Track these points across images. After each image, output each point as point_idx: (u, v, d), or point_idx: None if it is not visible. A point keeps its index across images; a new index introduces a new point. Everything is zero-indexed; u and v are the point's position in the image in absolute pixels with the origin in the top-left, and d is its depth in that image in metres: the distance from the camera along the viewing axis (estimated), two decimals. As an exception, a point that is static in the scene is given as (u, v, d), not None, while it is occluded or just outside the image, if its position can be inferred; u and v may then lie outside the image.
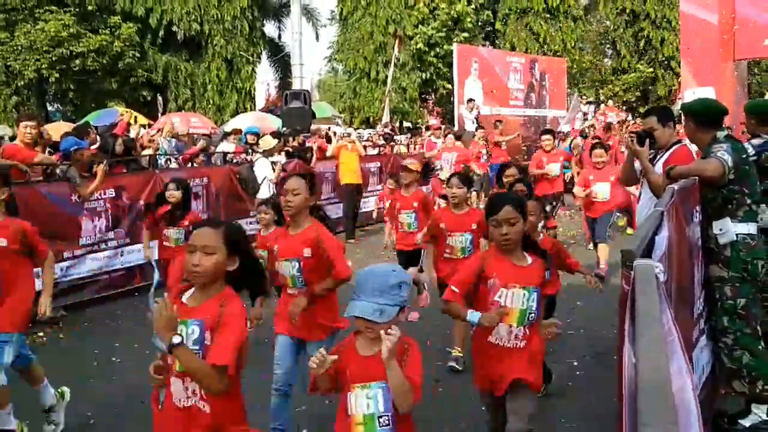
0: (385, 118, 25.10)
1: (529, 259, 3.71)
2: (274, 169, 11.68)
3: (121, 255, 9.59)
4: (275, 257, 4.50)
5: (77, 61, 25.53)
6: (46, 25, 24.94)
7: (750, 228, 4.50)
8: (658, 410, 1.01)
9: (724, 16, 20.31)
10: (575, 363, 6.28)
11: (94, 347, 7.24)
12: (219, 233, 3.00)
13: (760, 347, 4.50)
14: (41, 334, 7.57)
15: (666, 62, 33.40)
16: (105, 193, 9.34)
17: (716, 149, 4.47)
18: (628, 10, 34.12)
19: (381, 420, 2.85)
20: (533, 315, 3.62)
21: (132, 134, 13.06)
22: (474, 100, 20.73)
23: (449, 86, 26.66)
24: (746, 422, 4.53)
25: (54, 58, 25.23)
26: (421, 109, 30.96)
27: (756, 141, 5.46)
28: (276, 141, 12.18)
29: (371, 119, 29.67)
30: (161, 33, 28.57)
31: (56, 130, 13.51)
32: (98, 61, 25.90)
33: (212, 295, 2.99)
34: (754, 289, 4.54)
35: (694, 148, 5.18)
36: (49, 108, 29.99)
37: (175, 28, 28.44)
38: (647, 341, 1.24)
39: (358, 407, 2.87)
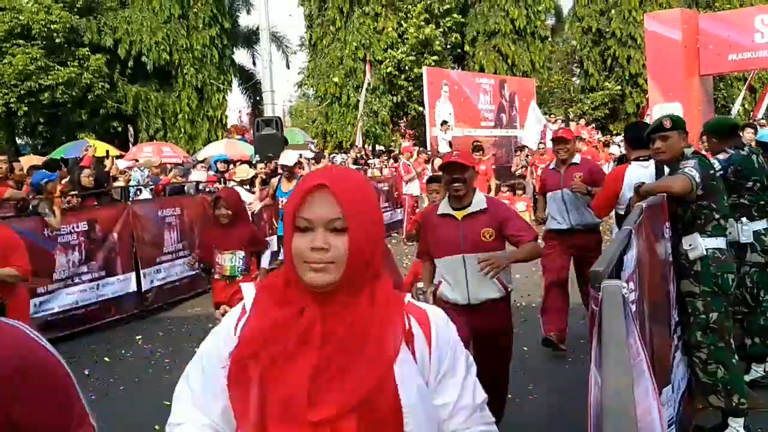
0: (358, 141, 25.17)
1: None
2: (253, 192, 11.63)
3: (96, 288, 9.51)
4: None
5: (46, 94, 25.39)
6: (14, 59, 24.81)
7: (719, 242, 4.56)
8: (621, 434, 1.02)
9: (688, 33, 20.64)
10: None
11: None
12: None
13: (734, 361, 4.54)
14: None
15: (633, 79, 33.80)
16: (78, 227, 9.28)
17: (684, 165, 4.52)
18: (594, 30, 34.53)
19: None
20: None
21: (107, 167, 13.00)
22: (447, 122, 20.86)
23: (420, 108, 26.78)
24: (724, 436, 4.56)
25: (22, 92, 25.08)
26: (393, 132, 31.06)
27: (722, 156, 5.55)
28: (253, 171, 12.16)
29: (344, 144, 29.72)
30: (130, 63, 28.46)
31: (27, 163, 13.41)
32: (67, 94, 25.77)
33: None
34: (726, 303, 4.58)
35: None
36: (19, 141, 29.75)
37: (144, 58, 28.34)
38: (612, 364, 1.26)
39: None
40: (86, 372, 7.49)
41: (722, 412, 4.56)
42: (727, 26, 20.85)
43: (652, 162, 5.32)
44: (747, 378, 5.32)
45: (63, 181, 10.65)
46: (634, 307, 2.48)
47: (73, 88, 25.89)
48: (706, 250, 4.51)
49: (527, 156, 19.33)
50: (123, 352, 8.26)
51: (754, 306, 5.58)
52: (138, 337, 8.97)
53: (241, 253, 6.46)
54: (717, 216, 4.56)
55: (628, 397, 1.12)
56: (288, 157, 11.87)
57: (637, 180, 5.39)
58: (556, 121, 26.31)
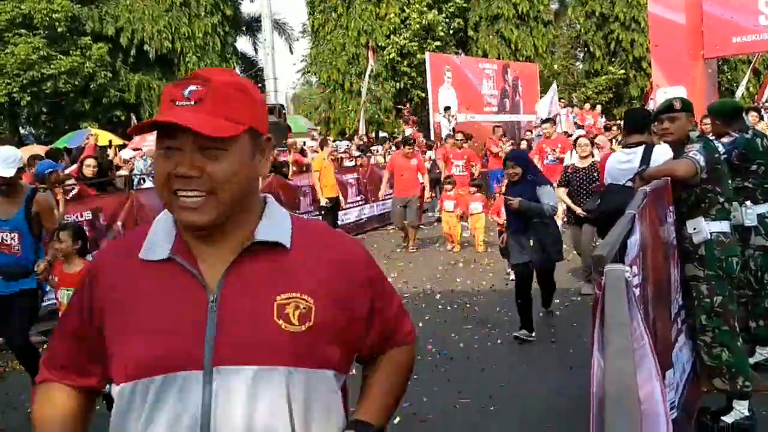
0: (361, 128, 25.15)
1: None
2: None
3: (100, 277, 9.51)
4: None
5: (49, 84, 25.42)
6: (16, 49, 24.83)
7: (723, 226, 4.54)
8: (623, 419, 1.02)
9: (692, 15, 20.54)
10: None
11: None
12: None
13: (738, 344, 4.53)
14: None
15: (637, 63, 33.69)
16: (82, 216, 9.28)
17: (688, 149, 4.50)
18: (597, 14, 34.41)
19: None
20: None
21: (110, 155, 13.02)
22: (450, 108, 20.81)
23: (423, 94, 26.74)
24: (729, 419, 4.55)
25: (25, 82, 25.11)
26: (396, 118, 31.03)
27: (726, 140, 5.53)
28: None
29: (347, 131, 29.70)
30: (133, 52, 28.48)
31: (30, 153, 13.43)
32: (70, 83, 25.80)
33: None
34: (730, 287, 4.58)
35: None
36: (22, 131, 29.79)
37: (146, 47, 28.36)
38: (615, 348, 1.25)
39: None
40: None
41: (727, 394, 4.56)
42: (731, 9, 20.73)
43: (639, 149, 5.28)
44: (751, 361, 5.33)
45: (67, 171, 10.66)
46: (637, 291, 2.48)
47: (76, 78, 25.91)
48: (711, 233, 4.50)
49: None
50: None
51: (759, 289, 5.57)
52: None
53: None
54: (721, 199, 4.54)
55: (631, 380, 1.12)
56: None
57: (616, 169, 5.40)
58: (565, 106, 26.29)
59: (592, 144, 9.55)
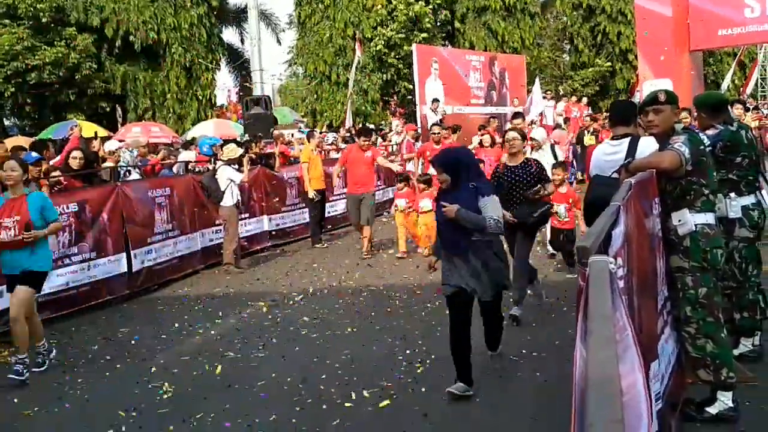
0: (348, 120, 25.10)
1: None
2: (241, 171, 11.58)
3: (87, 269, 9.49)
4: None
5: (33, 75, 25.18)
6: (0, 39, 24.59)
7: (708, 218, 4.57)
8: (604, 408, 1.02)
9: (678, 8, 20.59)
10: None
11: (61, 366, 7.15)
12: None
13: (722, 335, 4.56)
14: (5, 353, 7.47)
15: (623, 56, 33.76)
16: (68, 208, 9.24)
17: (673, 141, 4.53)
18: (584, 5, 34.45)
19: None
20: None
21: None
22: (438, 101, 20.78)
23: (410, 86, 26.69)
24: (713, 410, 4.59)
25: (9, 72, 24.87)
26: (383, 110, 30.99)
27: (711, 132, 5.56)
28: (241, 149, 12.06)
29: (334, 122, 29.65)
30: (118, 43, 28.23)
31: (14, 144, 13.34)
32: (55, 74, 25.57)
33: None
34: (715, 278, 4.60)
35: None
36: (6, 122, 29.57)
37: (131, 38, 28.11)
38: (597, 339, 1.26)
39: None
40: (77, 354, 7.50)
41: (711, 386, 4.59)
42: (717, 1, 20.80)
43: (625, 141, 5.30)
44: (736, 352, 5.37)
45: (52, 162, 10.60)
46: (622, 283, 2.49)
47: (61, 68, 25.68)
48: (695, 225, 4.52)
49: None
50: (113, 332, 8.26)
51: (743, 281, 5.61)
52: (128, 318, 8.98)
53: None
54: (706, 191, 4.57)
55: (612, 371, 1.13)
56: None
57: (602, 160, 5.41)
58: (552, 98, 26.31)
59: (523, 139, 8.20)
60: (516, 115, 12.82)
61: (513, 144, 7.76)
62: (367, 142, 12.32)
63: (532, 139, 10.23)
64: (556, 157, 10.38)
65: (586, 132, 19.15)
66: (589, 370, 1.14)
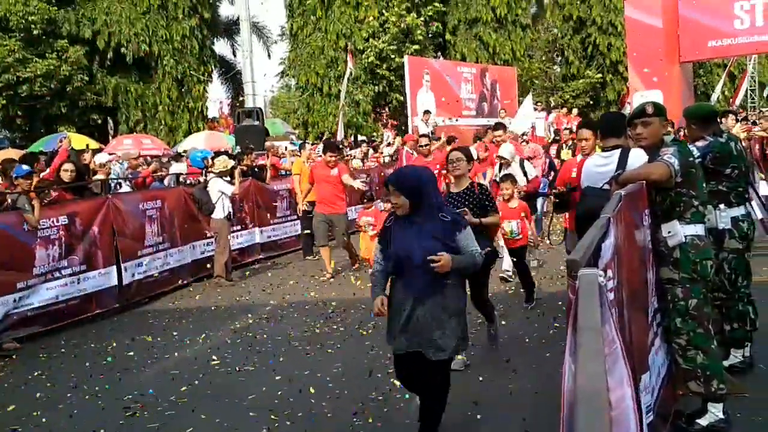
0: (340, 132, 25.12)
1: None
2: (233, 183, 11.52)
3: (77, 282, 9.44)
4: None
5: (24, 87, 25.17)
6: (-9, 51, 24.59)
7: (698, 229, 4.58)
8: (593, 422, 1.02)
9: (668, 19, 20.75)
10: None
11: (49, 380, 7.11)
12: None
13: (713, 347, 4.57)
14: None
15: (614, 67, 33.93)
16: (58, 221, 9.20)
17: (663, 153, 4.54)
18: (574, 17, 34.63)
19: None
20: None
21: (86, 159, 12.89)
22: (430, 112, 20.83)
23: (402, 98, 26.75)
24: (704, 421, 4.59)
25: (0, 85, 24.84)
26: (375, 121, 31.03)
27: (700, 143, 5.58)
28: (232, 162, 12.03)
29: (325, 134, 29.67)
30: (110, 55, 28.27)
31: (4, 156, 13.30)
32: (46, 86, 25.57)
33: None
34: (705, 289, 4.61)
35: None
36: (-3, 135, 29.53)
37: (123, 50, 28.13)
38: (586, 351, 1.26)
39: None
40: (66, 367, 7.46)
41: (702, 397, 4.60)
42: (707, 13, 20.98)
43: (615, 152, 5.33)
44: (726, 363, 5.37)
45: (42, 175, 10.56)
46: (612, 295, 2.48)
47: (52, 81, 25.68)
48: (685, 237, 4.53)
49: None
50: (103, 346, 8.22)
51: (732, 292, 5.62)
52: (118, 331, 8.94)
53: None
54: (696, 203, 4.58)
55: (601, 385, 1.12)
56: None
57: (593, 172, 5.43)
58: (543, 109, 26.42)
59: (469, 160, 6.78)
60: (497, 126, 12.07)
61: (456, 166, 6.57)
62: (333, 158, 11.37)
63: (500, 157, 9.76)
64: (525, 173, 9.93)
65: (564, 145, 18.83)
66: (578, 383, 1.14)
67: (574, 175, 6.35)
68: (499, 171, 9.69)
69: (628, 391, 1.48)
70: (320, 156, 16.18)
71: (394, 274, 4.66)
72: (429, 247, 4.42)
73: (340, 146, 12.14)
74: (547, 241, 11.04)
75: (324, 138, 27.33)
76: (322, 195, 11.36)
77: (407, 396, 5.70)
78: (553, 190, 6.67)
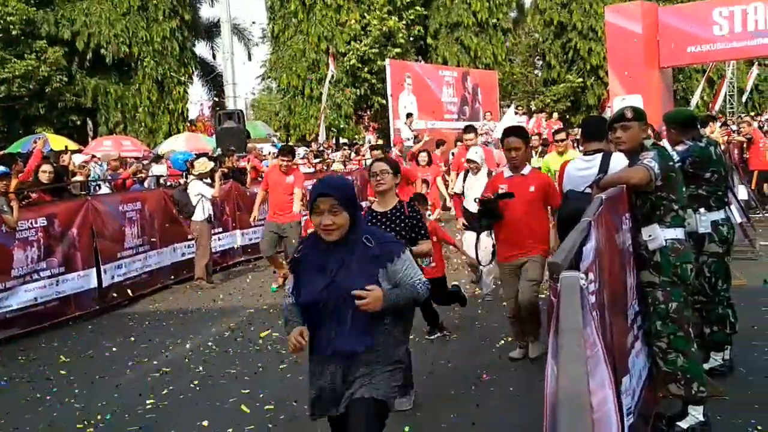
0: (321, 135, 25.08)
1: None
2: (213, 186, 11.42)
3: (56, 284, 9.37)
4: None
5: (2, 88, 24.98)
6: (-31, 52, 24.39)
7: (678, 233, 4.60)
8: (575, 424, 1.02)
9: (648, 25, 20.89)
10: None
11: (29, 382, 7.04)
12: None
13: (693, 349, 4.59)
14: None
15: (594, 72, 34.12)
16: (36, 222, 9.13)
17: (643, 156, 4.56)
18: (555, 22, 34.81)
19: None
20: None
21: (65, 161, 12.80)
22: (412, 115, 20.82)
23: (384, 101, 26.77)
24: (684, 424, 4.60)
25: (-22, 86, 24.67)
26: (357, 124, 31.03)
27: (680, 147, 5.62)
28: (212, 164, 11.97)
29: (307, 136, 29.64)
30: (89, 56, 28.08)
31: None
32: (25, 87, 25.37)
33: None
34: (685, 293, 4.64)
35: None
36: (-25, 136, 29.24)
37: (103, 51, 27.96)
38: (567, 354, 1.26)
39: None
40: (46, 370, 7.39)
41: (682, 400, 4.61)
42: (686, 19, 21.16)
43: (597, 156, 5.37)
44: (706, 366, 5.40)
45: (19, 176, 10.47)
46: (593, 298, 2.50)
47: (31, 81, 25.50)
48: (666, 240, 4.55)
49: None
50: (83, 348, 8.16)
51: (712, 295, 5.66)
52: (98, 334, 8.88)
53: None
54: (676, 207, 4.60)
55: (583, 387, 1.13)
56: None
57: (575, 176, 5.45)
58: (523, 114, 26.49)
59: (396, 173, 5.42)
60: (468, 129, 10.84)
61: (381, 180, 5.37)
62: (286, 163, 10.48)
63: (469, 160, 8.53)
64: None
65: (533, 152, 18.20)
66: (560, 386, 1.14)
67: (503, 187, 6.31)
68: (465, 178, 8.73)
69: (610, 394, 1.49)
70: (303, 158, 16.00)
71: (308, 324, 3.49)
72: (357, 283, 3.33)
73: (294, 152, 10.88)
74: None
75: (304, 139, 27.38)
76: (275, 203, 10.54)
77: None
78: (482, 198, 6.30)
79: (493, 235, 6.55)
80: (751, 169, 15.02)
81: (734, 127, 17.95)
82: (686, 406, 4.62)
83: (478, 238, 6.67)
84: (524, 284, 6.22)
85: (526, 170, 6.46)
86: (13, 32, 25.65)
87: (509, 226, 6.24)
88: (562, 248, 2.27)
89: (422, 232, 5.37)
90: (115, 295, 10.34)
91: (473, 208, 7.25)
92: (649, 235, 4.57)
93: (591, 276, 2.54)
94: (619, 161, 5.10)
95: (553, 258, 2.06)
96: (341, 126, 29.71)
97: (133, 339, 8.40)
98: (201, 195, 11.08)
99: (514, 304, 6.37)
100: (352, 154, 20.85)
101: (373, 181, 5.41)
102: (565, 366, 1.21)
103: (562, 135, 9.94)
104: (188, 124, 31.47)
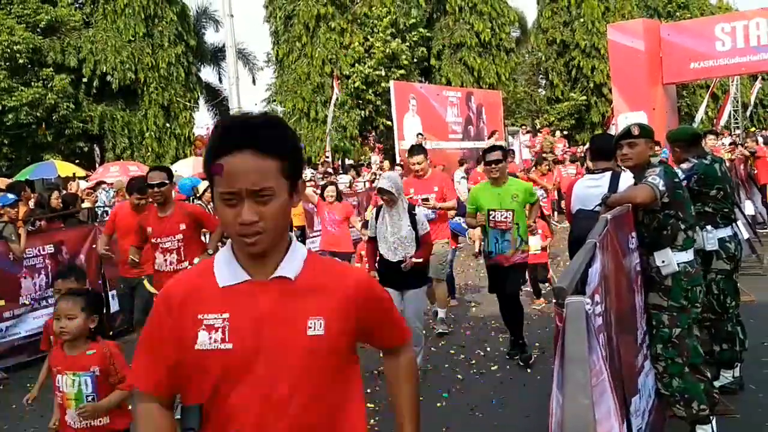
0: (327, 157, 25.12)
1: None
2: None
3: (63, 312, 9.36)
4: None
5: (10, 116, 25.12)
6: (-24, 81, 24.56)
7: (689, 255, 4.58)
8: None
9: (650, 42, 20.96)
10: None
11: (38, 410, 7.03)
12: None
13: (686, 371, 4.52)
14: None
15: (598, 89, 34.20)
16: (44, 249, 9.16)
17: (648, 174, 4.56)
18: (558, 41, 34.95)
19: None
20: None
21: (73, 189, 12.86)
22: (423, 134, 20.82)
23: (389, 123, 26.84)
24: (694, 444, 4.58)
25: (-15, 114, 24.83)
26: (362, 146, 31.12)
27: (685, 165, 5.61)
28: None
29: (313, 159, 29.71)
30: (95, 83, 28.24)
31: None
32: (32, 114, 25.52)
33: None
34: (690, 320, 4.60)
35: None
36: (-17, 164, 29.38)
37: (109, 78, 28.13)
38: (573, 385, 1.26)
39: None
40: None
41: (686, 421, 4.58)
42: (689, 35, 21.22)
43: (606, 175, 5.38)
44: (716, 384, 5.37)
45: (29, 203, 10.52)
46: (600, 320, 2.49)
47: (38, 109, 25.64)
48: (679, 265, 4.52)
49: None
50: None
51: (721, 312, 5.63)
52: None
53: None
54: (683, 226, 4.57)
55: (588, 420, 1.13)
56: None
57: (582, 194, 5.45)
58: (527, 132, 26.56)
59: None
60: (414, 149, 8.78)
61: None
62: (141, 202, 7.56)
63: (381, 191, 6.63)
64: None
65: (526, 170, 17.86)
66: (565, 417, 1.14)
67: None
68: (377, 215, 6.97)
69: (616, 425, 1.48)
70: (309, 180, 15.86)
71: None
72: None
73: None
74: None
75: (310, 161, 27.40)
76: (127, 254, 7.15)
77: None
78: None
79: None
80: (762, 183, 14.91)
81: (739, 142, 17.96)
82: (694, 426, 4.59)
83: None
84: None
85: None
86: (20, 61, 25.83)
87: None
88: (567, 271, 2.27)
89: None
90: (121, 322, 10.33)
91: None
92: (663, 261, 4.51)
93: (597, 298, 2.53)
94: (627, 181, 5.10)
95: (558, 282, 2.06)
96: (347, 147, 29.79)
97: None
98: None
99: None
100: (356, 176, 20.88)
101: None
102: (570, 398, 1.20)
103: (497, 155, 6.96)
104: (197, 138, 31.38)
